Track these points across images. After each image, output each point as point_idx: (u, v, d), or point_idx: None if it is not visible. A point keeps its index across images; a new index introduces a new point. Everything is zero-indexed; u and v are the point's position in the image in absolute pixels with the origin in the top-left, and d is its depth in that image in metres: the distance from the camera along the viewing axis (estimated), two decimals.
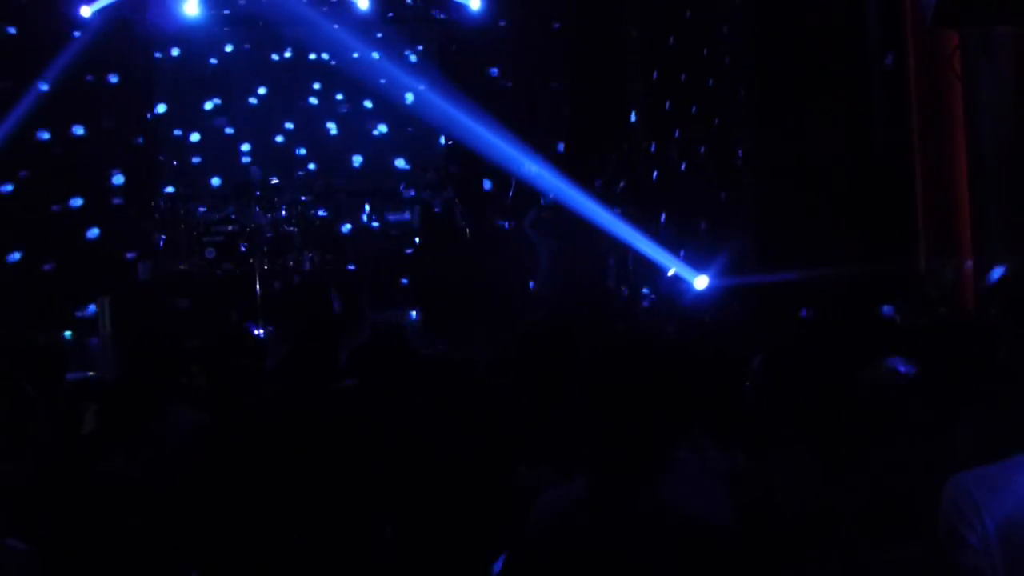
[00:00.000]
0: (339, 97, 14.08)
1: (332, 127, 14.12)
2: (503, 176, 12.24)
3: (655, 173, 12.18)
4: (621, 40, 12.68)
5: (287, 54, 13.88)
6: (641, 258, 11.00)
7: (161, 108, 13.39)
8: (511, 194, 12.17)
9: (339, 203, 13.23)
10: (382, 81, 13.24)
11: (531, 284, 11.71)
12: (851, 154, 9.32)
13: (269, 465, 2.10)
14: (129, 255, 12.02)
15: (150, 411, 3.97)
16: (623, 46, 12.70)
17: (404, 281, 12.33)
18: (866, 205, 9.16)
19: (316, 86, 14.05)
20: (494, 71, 13.22)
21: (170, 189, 13.05)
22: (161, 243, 12.31)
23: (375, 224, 13.16)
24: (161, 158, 13.14)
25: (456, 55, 13.43)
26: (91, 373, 7.23)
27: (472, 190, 12.82)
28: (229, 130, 13.83)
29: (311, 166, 14.06)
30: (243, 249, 11.94)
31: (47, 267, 11.75)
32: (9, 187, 11.73)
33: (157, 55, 13.35)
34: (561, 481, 3.04)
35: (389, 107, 13.64)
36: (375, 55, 13.20)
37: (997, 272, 7.26)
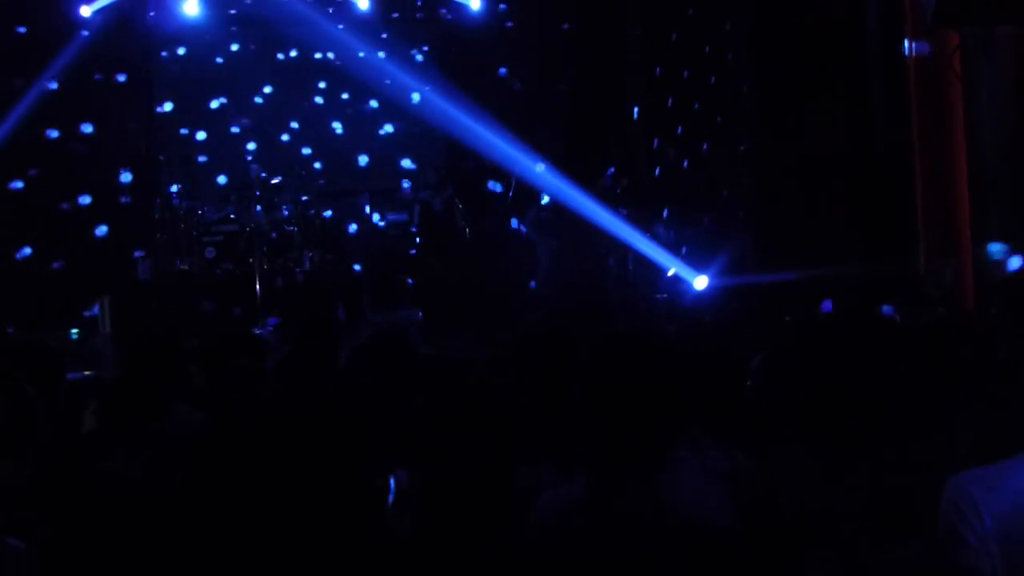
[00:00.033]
0: (345, 96, 14.05)
1: (338, 126, 14.09)
2: (504, 176, 12.24)
3: (657, 170, 12.18)
4: (623, 38, 12.68)
5: (292, 53, 13.85)
6: (641, 258, 11.00)
7: (168, 106, 13.38)
8: (511, 194, 12.17)
9: (339, 203, 13.22)
10: (386, 81, 13.23)
11: (531, 284, 11.71)
12: (851, 154, 9.32)
13: (269, 465, 2.10)
14: (137, 253, 12.02)
15: (150, 411, 3.96)
16: (624, 44, 12.70)
17: (410, 281, 12.32)
18: (866, 205, 9.16)
19: (322, 85, 14.02)
20: (503, 71, 13.20)
21: (173, 188, 13.04)
22: (161, 243, 12.31)
23: (377, 224, 13.14)
24: (161, 157, 13.13)
25: (456, 55, 13.42)
26: (87, 373, 7.22)
27: (472, 190, 12.82)
28: (235, 129, 13.81)
29: (313, 165, 14.04)
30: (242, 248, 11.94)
31: (56, 265, 11.75)
32: (19, 184, 11.75)
33: (155, 54, 13.33)
34: (561, 481, 3.03)
35: (394, 107, 13.62)
36: (381, 55, 13.18)
37: (1017, 261, 7.26)
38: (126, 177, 12.15)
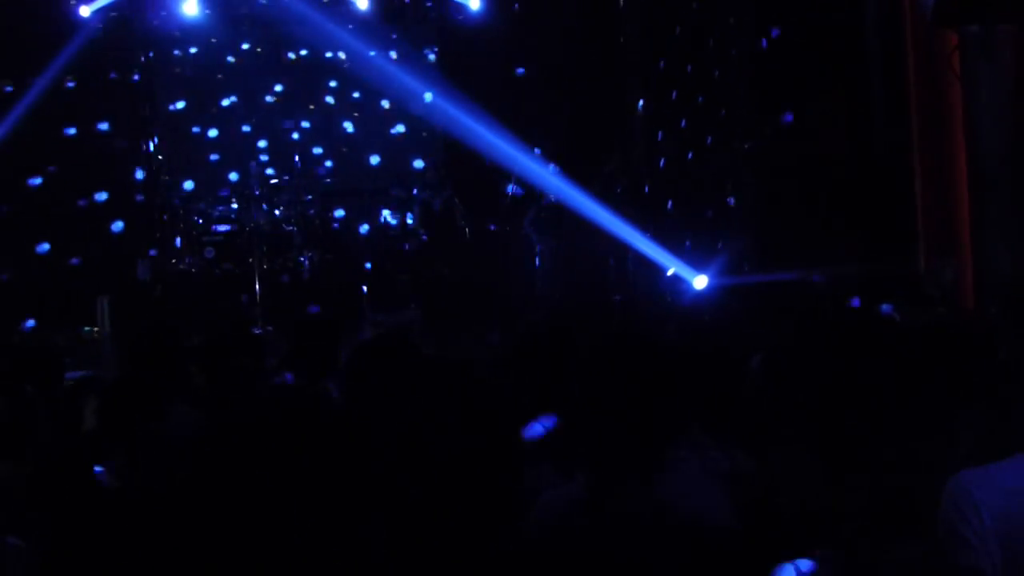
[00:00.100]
0: (351, 97, 14.03)
1: (349, 126, 14.08)
2: (504, 175, 12.23)
3: (661, 161, 12.16)
4: (624, 35, 12.66)
5: (299, 54, 13.84)
6: (641, 258, 11.00)
7: (180, 104, 13.38)
8: (511, 194, 12.16)
9: (335, 203, 13.20)
10: (386, 82, 13.21)
11: (531, 284, 11.71)
12: (851, 154, 9.32)
13: (269, 465, 2.10)
14: (152, 252, 12.05)
15: (150, 411, 3.96)
16: (624, 45, 12.69)
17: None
18: (866, 205, 9.16)
19: (332, 84, 14.00)
20: (520, 71, 13.16)
21: (187, 186, 13.05)
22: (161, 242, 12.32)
23: (376, 224, 13.13)
24: (161, 157, 13.12)
25: (456, 54, 13.40)
26: (82, 372, 7.21)
27: (472, 190, 12.81)
28: (244, 128, 13.80)
29: (312, 165, 14.03)
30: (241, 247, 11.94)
31: (74, 261, 11.77)
32: (37, 179, 11.77)
33: (153, 55, 13.32)
34: (561, 481, 3.03)
35: (397, 107, 13.61)
36: (372, 53, 13.17)
37: None
38: (139, 175, 12.19)
